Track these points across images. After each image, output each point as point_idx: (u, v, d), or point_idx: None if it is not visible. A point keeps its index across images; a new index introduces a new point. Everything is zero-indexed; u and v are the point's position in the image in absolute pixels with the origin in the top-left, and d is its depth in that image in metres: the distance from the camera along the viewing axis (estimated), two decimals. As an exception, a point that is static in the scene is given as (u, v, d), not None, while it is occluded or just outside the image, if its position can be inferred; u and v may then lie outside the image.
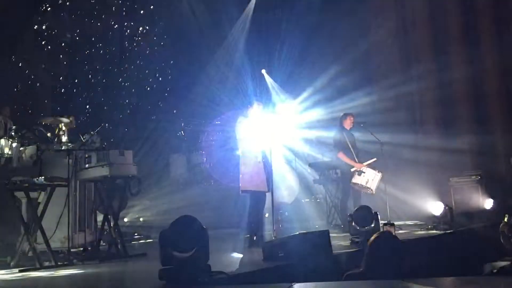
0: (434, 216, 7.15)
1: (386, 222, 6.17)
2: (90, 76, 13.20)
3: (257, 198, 6.30)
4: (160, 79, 14.45)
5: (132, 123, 13.53)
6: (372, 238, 3.21)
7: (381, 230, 5.52)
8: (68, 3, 12.64)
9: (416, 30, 10.54)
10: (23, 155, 7.45)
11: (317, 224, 8.49)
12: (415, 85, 10.34)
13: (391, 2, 11.04)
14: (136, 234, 8.87)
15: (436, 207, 7.17)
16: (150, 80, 14.10)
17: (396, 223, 6.42)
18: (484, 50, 9.78)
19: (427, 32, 10.43)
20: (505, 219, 3.94)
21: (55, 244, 5.73)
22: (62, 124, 7.68)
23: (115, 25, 13.63)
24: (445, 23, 10.20)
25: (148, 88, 14.12)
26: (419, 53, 10.54)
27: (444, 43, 10.19)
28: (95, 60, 13.25)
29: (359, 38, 10.85)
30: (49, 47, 12.46)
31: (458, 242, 6.53)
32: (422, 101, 10.48)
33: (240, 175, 6.35)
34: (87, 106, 13.01)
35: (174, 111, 13.66)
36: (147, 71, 14.00)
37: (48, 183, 5.46)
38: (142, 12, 14.04)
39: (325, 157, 9.46)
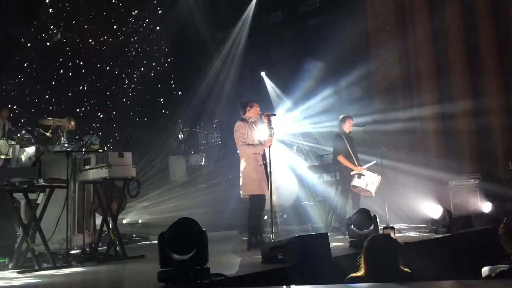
0: (433, 220, 7.15)
1: (385, 225, 6.17)
2: (89, 78, 13.21)
3: (258, 201, 6.29)
4: (160, 80, 14.47)
5: (131, 124, 13.53)
6: (367, 241, 3.20)
7: (382, 233, 5.52)
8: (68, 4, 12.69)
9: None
10: (22, 156, 7.45)
11: (315, 226, 8.49)
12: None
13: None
14: (134, 235, 8.86)
15: (435, 211, 7.17)
16: (150, 81, 14.11)
17: (395, 226, 6.42)
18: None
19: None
20: (504, 223, 3.94)
21: (53, 245, 5.72)
22: (62, 125, 7.69)
23: (115, 25, 13.65)
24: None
25: (147, 89, 14.13)
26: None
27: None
28: (94, 62, 13.26)
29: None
30: (47, 45, 12.49)
31: (456, 245, 6.54)
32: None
33: (241, 180, 6.33)
34: (88, 108, 13.04)
35: (174, 113, 13.67)
36: (146, 73, 14.02)
37: (47, 184, 5.46)
38: (143, 12, 14.07)
39: (324, 159, 9.48)
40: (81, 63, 12.91)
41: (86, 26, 12.87)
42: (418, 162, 9.61)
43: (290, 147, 9.70)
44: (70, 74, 12.79)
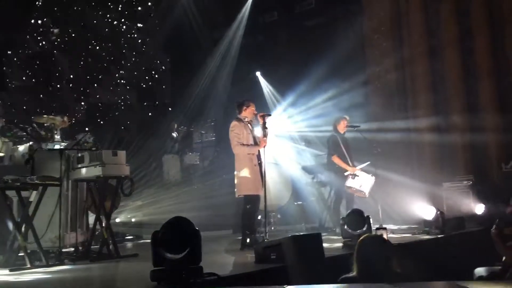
0: (426, 221, 7.18)
1: (378, 226, 6.19)
2: (85, 75, 13.15)
3: (252, 200, 6.29)
4: (155, 80, 14.44)
5: (125, 123, 13.50)
6: (359, 242, 3.21)
7: (374, 233, 5.54)
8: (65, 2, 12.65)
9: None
10: (15, 153, 7.40)
11: (309, 226, 8.50)
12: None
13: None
14: (128, 234, 8.84)
15: (428, 212, 7.20)
16: (146, 81, 14.09)
17: (388, 227, 6.45)
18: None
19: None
20: (496, 224, 3.97)
21: (46, 244, 5.68)
22: (55, 123, 7.63)
23: (112, 24, 13.60)
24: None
25: (143, 89, 14.10)
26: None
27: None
28: (90, 59, 13.22)
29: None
30: (43, 43, 12.43)
31: (449, 246, 6.57)
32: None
33: (236, 180, 6.33)
34: (82, 104, 12.99)
35: (168, 112, 13.65)
36: (142, 71, 13.99)
37: (40, 182, 5.42)
38: (139, 11, 14.04)
39: (318, 160, 9.49)
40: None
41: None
42: (412, 163, 9.64)
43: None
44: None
